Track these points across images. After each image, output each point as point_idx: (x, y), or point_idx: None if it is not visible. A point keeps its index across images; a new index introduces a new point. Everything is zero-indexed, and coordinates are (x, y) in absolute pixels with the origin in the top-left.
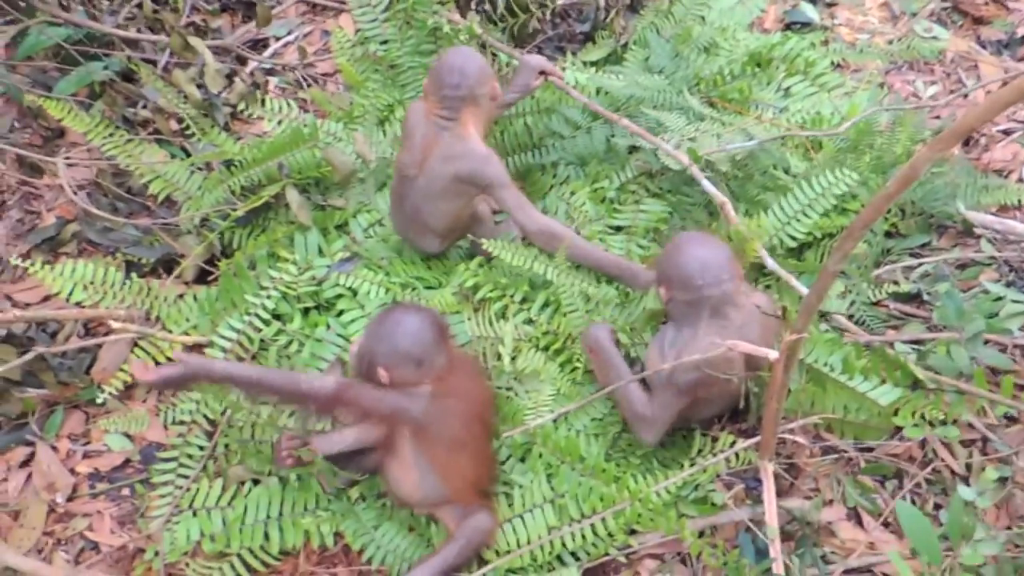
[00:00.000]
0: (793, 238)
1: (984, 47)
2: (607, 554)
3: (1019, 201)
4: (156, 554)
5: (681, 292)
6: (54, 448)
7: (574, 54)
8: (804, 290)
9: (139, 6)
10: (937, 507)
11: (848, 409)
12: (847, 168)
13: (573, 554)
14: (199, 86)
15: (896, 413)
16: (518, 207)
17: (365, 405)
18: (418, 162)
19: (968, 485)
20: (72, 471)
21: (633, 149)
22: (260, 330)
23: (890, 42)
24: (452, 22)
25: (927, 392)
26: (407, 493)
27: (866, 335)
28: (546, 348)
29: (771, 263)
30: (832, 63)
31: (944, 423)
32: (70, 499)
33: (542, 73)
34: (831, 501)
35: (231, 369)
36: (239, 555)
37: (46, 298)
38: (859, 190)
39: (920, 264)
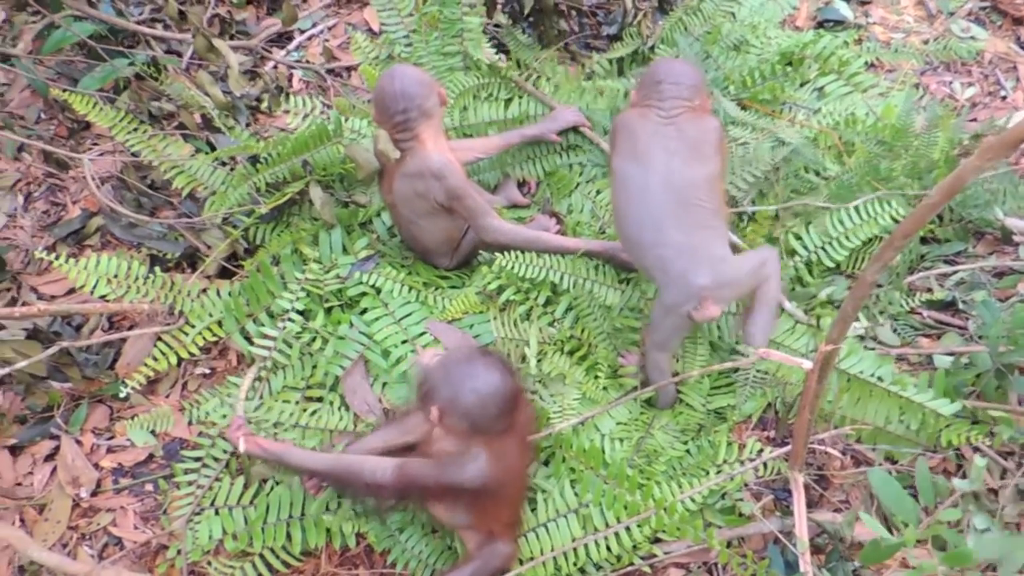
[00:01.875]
0: (832, 259)
1: None
2: (631, 563)
3: None
4: (178, 552)
5: (644, 89)
6: (79, 442)
7: (601, 51)
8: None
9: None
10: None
11: (889, 419)
12: (896, 201)
13: (597, 565)
14: (222, 79)
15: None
16: (476, 215)
17: (424, 484)
18: (389, 187)
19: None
20: (96, 465)
21: None
22: (284, 328)
23: (926, 42)
24: (487, 58)
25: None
26: (436, 514)
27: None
28: (571, 352)
29: (789, 306)
30: (866, 63)
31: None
32: (94, 494)
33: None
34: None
35: (305, 462)
36: (261, 555)
37: (71, 291)
38: (894, 195)
39: (955, 271)
